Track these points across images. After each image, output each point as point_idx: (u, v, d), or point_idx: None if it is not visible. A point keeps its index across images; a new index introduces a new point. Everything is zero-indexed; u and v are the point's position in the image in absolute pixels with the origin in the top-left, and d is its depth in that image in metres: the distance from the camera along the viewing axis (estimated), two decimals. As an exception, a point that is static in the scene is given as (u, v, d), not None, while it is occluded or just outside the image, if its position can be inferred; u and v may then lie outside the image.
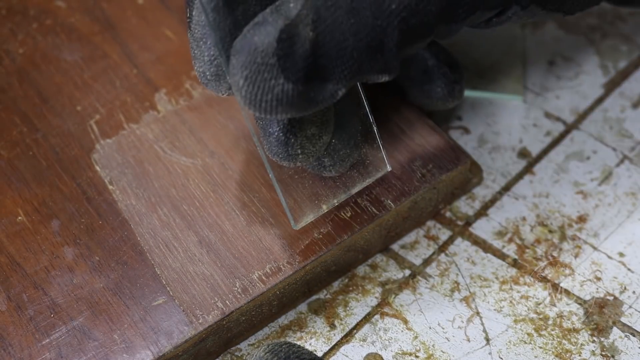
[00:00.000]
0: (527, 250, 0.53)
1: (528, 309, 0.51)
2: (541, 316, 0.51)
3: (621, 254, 0.53)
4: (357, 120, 0.49)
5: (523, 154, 0.57)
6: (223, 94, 0.48)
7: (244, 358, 0.50)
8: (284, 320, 0.51)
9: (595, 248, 0.53)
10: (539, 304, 0.51)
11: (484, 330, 0.51)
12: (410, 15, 0.44)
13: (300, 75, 0.42)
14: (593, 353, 0.50)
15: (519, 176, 0.56)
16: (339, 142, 0.49)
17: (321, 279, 0.51)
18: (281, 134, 0.46)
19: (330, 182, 0.50)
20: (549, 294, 0.52)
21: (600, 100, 0.59)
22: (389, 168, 0.50)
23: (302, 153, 0.47)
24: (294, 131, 0.46)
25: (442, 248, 0.53)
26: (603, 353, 0.50)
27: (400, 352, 0.50)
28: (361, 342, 0.50)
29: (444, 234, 0.54)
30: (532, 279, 0.52)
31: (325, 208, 0.50)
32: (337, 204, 0.50)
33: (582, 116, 0.58)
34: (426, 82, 0.52)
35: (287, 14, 0.42)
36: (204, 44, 0.46)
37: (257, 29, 0.42)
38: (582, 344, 0.50)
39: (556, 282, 0.52)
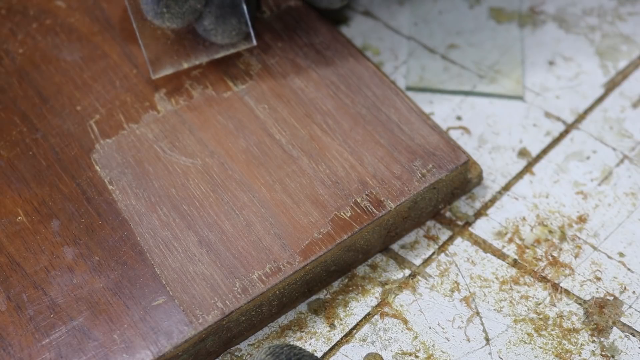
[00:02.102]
0: (527, 250, 0.53)
1: (528, 309, 0.51)
2: (541, 316, 0.51)
3: (621, 254, 0.53)
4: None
5: (523, 154, 0.57)
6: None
7: (244, 358, 0.50)
8: (284, 320, 0.51)
9: (595, 248, 0.53)
10: (539, 304, 0.51)
11: (484, 330, 0.51)
12: None
13: None
14: (593, 353, 0.50)
15: (519, 176, 0.56)
16: (211, 15, 0.54)
17: (321, 279, 0.51)
18: None
19: (195, 45, 0.55)
20: (549, 294, 0.52)
21: (600, 100, 0.59)
22: (254, 42, 0.56)
23: (167, 12, 0.54)
24: None
25: (442, 248, 0.53)
26: (603, 353, 0.50)
27: (400, 352, 0.50)
28: (361, 342, 0.50)
29: (444, 234, 0.54)
30: (532, 279, 0.52)
31: (185, 65, 0.55)
32: (196, 63, 0.55)
33: (582, 116, 0.58)
34: None
35: None
36: None
37: None
38: (582, 344, 0.50)
39: (556, 282, 0.52)
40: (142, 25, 0.54)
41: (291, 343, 0.50)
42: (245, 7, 0.54)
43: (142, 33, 0.54)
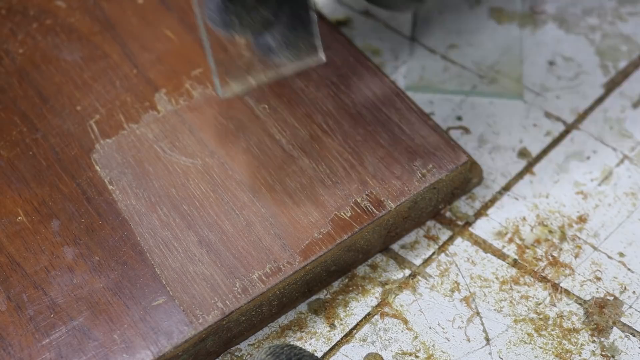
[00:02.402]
0: (527, 250, 0.53)
1: (528, 309, 0.51)
2: (541, 316, 0.51)
3: (621, 254, 0.53)
4: (300, 8, 0.51)
5: (523, 153, 0.57)
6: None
7: (244, 358, 0.50)
8: (284, 320, 0.51)
9: (595, 248, 0.53)
10: (539, 304, 0.51)
11: (484, 330, 0.51)
12: None
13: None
14: (593, 353, 0.50)
15: (519, 176, 0.56)
16: (281, 25, 0.50)
17: (321, 279, 0.51)
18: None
19: (261, 61, 0.51)
20: (549, 294, 0.52)
21: (600, 100, 0.59)
22: (322, 57, 0.51)
23: (238, 23, 0.49)
24: None
25: (442, 248, 0.53)
26: (603, 353, 0.50)
27: (400, 352, 0.50)
28: (361, 342, 0.50)
29: (444, 234, 0.54)
30: (532, 279, 0.52)
31: (253, 82, 0.51)
32: (265, 81, 0.51)
33: (582, 116, 0.58)
34: None
35: None
36: None
37: None
38: (582, 344, 0.50)
39: (556, 282, 0.52)
40: (213, 42, 0.51)
41: (291, 343, 0.50)
42: (315, 18, 0.51)
43: (212, 50, 0.51)
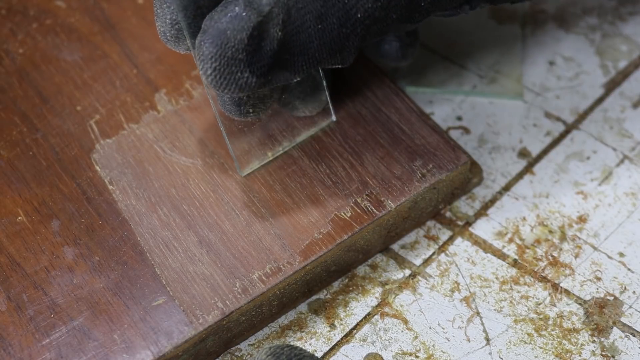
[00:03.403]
0: (527, 251, 0.53)
1: (528, 309, 0.51)
2: (541, 316, 0.51)
3: (621, 254, 0.53)
4: (311, 78, 0.52)
5: (523, 154, 0.57)
6: (181, 52, 0.49)
7: (244, 358, 0.50)
8: (284, 320, 0.51)
9: (595, 248, 0.53)
10: (539, 304, 0.51)
11: (484, 330, 0.51)
12: (372, 23, 0.46)
13: (264, 70, 0.45)
14: (593, 353, 0.50)
15: (519, 176, 0.56)
16: (293, 96, 0.52)
17: (321, 279, 0.51)
18: (235, 96, 0.49)
19: (276, 132, 0.53)
20: (549, 294, 0.52)
21: (600, 100, 0.59)
22: (333, 118, 0.53)
23: (253, 111, 0.50)
24: (246, 94, 0.49)
25: (442, 248, 0.53)
26: (603, 353, 0.50)
27: (400, 352, 0.50)
28: (361, 342, 0.50)
29: (444, 234, 0.54)
30: (532, 279, 0.52)
31: (270, 155, 0.52)
32: (282, 152, 0.52)
33: (582, 116, 0.58)
34: (382, 43, 0.54)
35: (259, 10, 0.44)
36: (167, 7, 0.47)
37: (230, 19, 0.44)
38: (582, 344, 0.50)
39: (556, 282, 0.52)
40: (229, 124, 0.52)
41: (291, 344, 0.50)
42: (325, 83, 0.52)
43: (228, 132, 0.51)
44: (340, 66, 0.48)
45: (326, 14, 0.45)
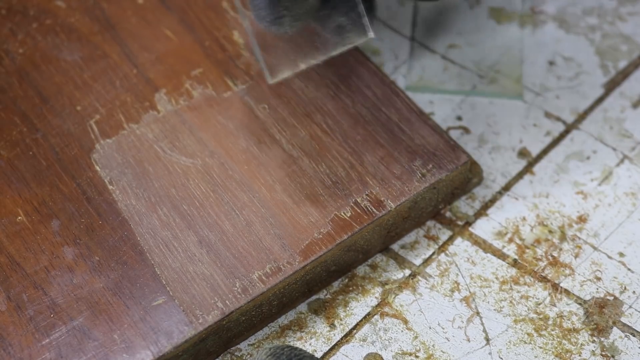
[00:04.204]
0: (527, 250, 0.53)
1: (528, 309, 0.51)
2: (541, 316, 0.51)
3: (621, 254, 0.53)
4: None
5: (523, 154, 0.57)
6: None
7: (244, 358, 0.50)
8: (284, 320, 0.51)
9: (595, 248, 0.53)
10: (539, 304, 0.51)
11: (484, 330, 0.51)
12: None
13: None
14: (593, 353, 0.50)
15: (519, 176, 0.56)
16: (328, 9, 0.50)
17: (321, 279, 0.51)
18: None
19: (309, 44, 0.51)
20: (549, 294, 0.52)
21: (600, 100, 0.59)
22: (370, 34, 0.50)
23: (288, 15, 0.48)
24: None
25: (442, 248, 0.53)
26: (603, 353, 0.50)
27: (400, 352, 0.50)
28: (361, 342, 0.50)
29: (444, 234, 0.54)
30: (532, 279, 0.52)
31: (302, 66, 0.50)
32: (314, 63, 0.50)
33: (582, 116, 0.58)
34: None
35: None
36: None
37: None
38: (582, 344, 0.50)
39: (556, 282, 0.52)
40: (256, 31, 0.50)
41: (291, 344, 0.50)
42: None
43: (257, 37, 0.50)
44: None
45: None
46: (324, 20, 0.50)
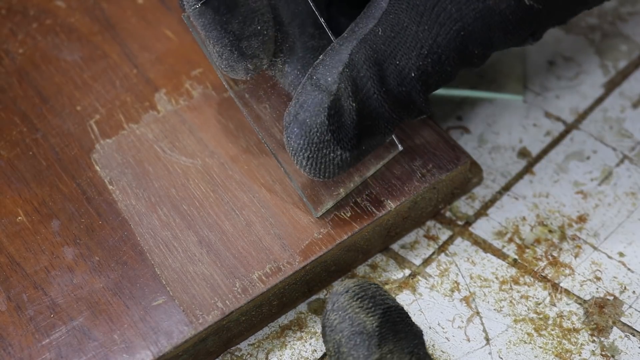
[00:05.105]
0: (527, 250, 0.53)
1: (528, 309, 0.51)
2: (541, 316, 0.51)
3: (621, 254, 0.53)
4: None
5: (523, 153, 0.57)
6: (244, 77, 0.50)
7: (244, 358, 0.50)
8: (284, 320, 0.51)
9: (595, 248, 0.53)
10: (539, 303, 0.51)
11: (484, 330, 0.51)
12: (428, 77, 0.47)
13: (354, 142, 0.47)
14: (593, 353, 0.50)
15: (519, 176, 0.56)
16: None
17: (321, 279, 0.51)
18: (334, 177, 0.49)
19: (347, 173, 0.51)
20: (549, 294, 0.52)
21: (600, 100, 0.59)
22: (400, 148, 0.52)
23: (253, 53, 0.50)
24: None
25: (442, 248, 0.53)
26: (603, 353, 0.50)
27: (400, 352, 0.50)
28: (361, 342, 0.50)
29: (444, 234, 0.54)
30: (532, 279, 0.52)
31: (343, 192, 0.51)
32: (354, 188, 0.51)
33: (582, 116, 0.58)
34: None
35: (329, 90, 0.46)
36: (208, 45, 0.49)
37: (304, 108, 0.47)
38: (582, 344, 0.50)
39: (556, 282, 0.52)
40: (292, 167, 0.51)
41: (290, 343, 0.50)
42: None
43: (293, 173, 0.51)
44: (424, 116, 0.49)
45: (384, 76, 0.47)
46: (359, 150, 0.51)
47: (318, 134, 0.47)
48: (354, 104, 0.47)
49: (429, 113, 0.49)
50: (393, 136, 0.52)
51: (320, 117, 0.46)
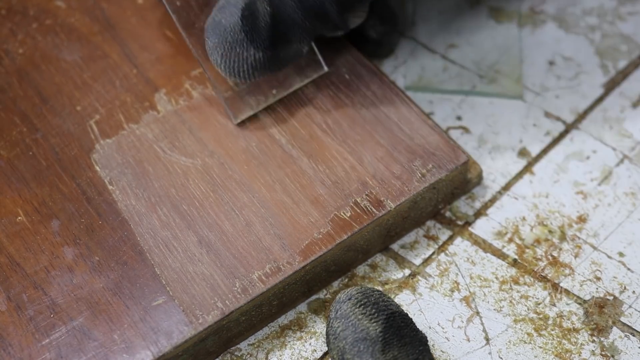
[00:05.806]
0: (527, 250, 0.53)
1: (528, 309, 0.51)
2: (541, 316, 0.51)
3: (621, 254, 0.53)
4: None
5: (523, 153, 0.57)
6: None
7: (244, 358, 0.50)
8: (283, 320, 0.51)
9: (595, 248, 0.53)
10: (539, 303, 0.51)
11: (484, 330, 0.51)
12: None
13: (267, 44, 0.51)
14: (593, 353, 0.50)
15: (519, 176, 0.56)
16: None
17: (321, 279, 0.51)
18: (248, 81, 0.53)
19: (268, 82, 0.55)
20: (549, 294, 0.52)
21: (600, 100, 0.59)
22: (325, 68, 0.55)
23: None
24: None
25: (442, 248, 0.53)
26: (603, 353, 0.50)
27: (400, 352, 0.50)
28: (361, 342, 0.50)
29: (444, 234, 0.54)
30: (532, 279, 0.52)
31: (263, 103, 0.54)
32: (274, 101, 0.54)
33: (582, 116, 0.58)
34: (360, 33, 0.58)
35: None
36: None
37: (222, 11, 0.51)
38: (582, 344, 0.50)
39: (556, 282, 0.52)
40: (216, 73, 0.54)
41: (290, 343, 0.50)
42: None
43: (215, 79, 0.54)
44: (341, 32, 0.53)
45: None
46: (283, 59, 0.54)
47: (232, 34, 0.50)
48: (268, 8, 0.50)
49: (345, 30, 0.52)
50: (320, 57, 0.55)
51: (234, 17, 0.50)
